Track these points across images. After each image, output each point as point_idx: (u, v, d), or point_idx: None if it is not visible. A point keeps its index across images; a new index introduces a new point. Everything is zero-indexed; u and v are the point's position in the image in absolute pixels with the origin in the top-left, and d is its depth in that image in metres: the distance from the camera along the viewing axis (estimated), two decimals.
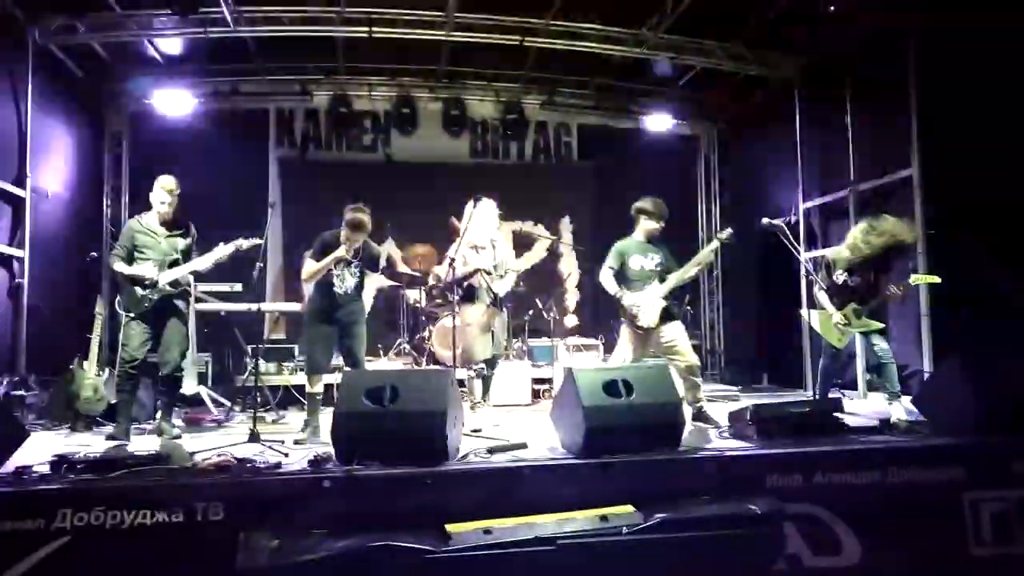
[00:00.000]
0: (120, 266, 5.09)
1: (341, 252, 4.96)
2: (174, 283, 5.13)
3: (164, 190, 5.15)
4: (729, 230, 5.55)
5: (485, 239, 5.98)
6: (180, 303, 5.24)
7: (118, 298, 5.21)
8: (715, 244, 5.51)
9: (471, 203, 5.96)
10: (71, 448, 3.94)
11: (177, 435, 5.14)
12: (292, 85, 9.19)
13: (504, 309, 6.16)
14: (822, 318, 5.62)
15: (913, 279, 5.57)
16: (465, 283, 5.94)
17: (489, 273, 5.91)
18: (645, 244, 5.49)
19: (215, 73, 8.84)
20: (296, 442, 4.59)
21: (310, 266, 5.09)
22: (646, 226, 5.49)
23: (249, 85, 9.06)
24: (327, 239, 5.11)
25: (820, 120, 8.20)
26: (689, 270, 5.45)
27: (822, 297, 5.64)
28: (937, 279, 5.68)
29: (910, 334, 6.61)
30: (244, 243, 5.14)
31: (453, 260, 5.73)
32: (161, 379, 5.22)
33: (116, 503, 3.15)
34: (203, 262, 5.15)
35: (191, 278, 5.57)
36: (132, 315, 5.05)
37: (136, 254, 5.11)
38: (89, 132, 8.57)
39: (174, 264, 5.15)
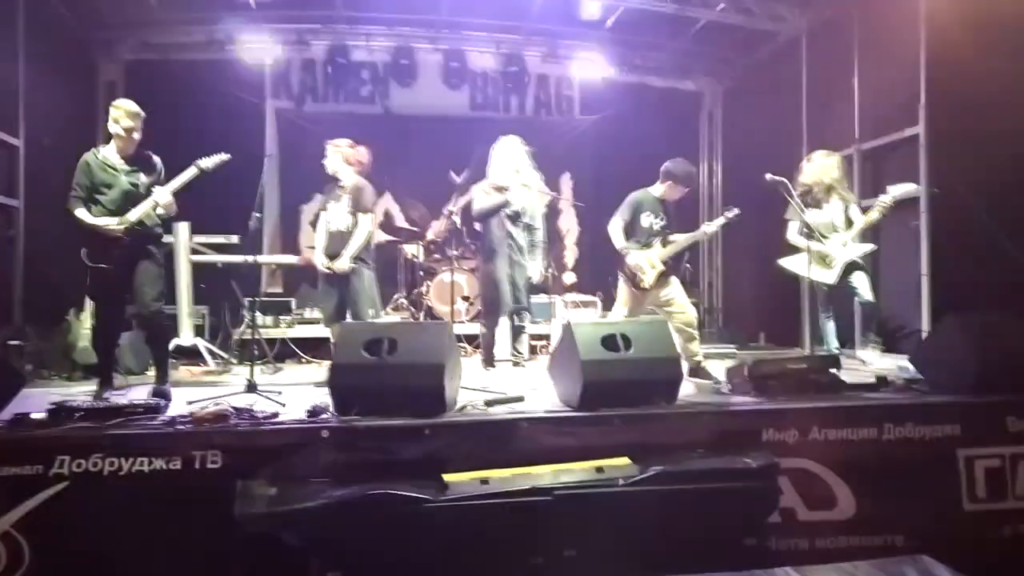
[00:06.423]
0: (81, 213, 4.44)
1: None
2: (140, 224, 4.49)
3: (126, 114, 4.44)
4: (736, 210, 5.38)
5: (510, 180, 5.63)
6: (151, 247, 4.62)
7: (83, 249, 4.47)
8: (720, 221, 5.43)
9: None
10: (68, 397, 3.91)
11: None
12: (289, 35, 9.01)
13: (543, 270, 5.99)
14: (805, 260, 5.54)
15: (890, 191, 5.51)
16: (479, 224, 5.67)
17: (514, 218, 5.64)
18: (659, 202, 5.45)
19: (211, 21, 8.63)
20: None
21: None
22: (669, 190, 5.44)
23: (245, 34, 8.86)
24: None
25: (826, 77, 8.05)
26: (691, 240, 5.43)
27: (793, 233, 5.68)
28: (914, 185, 5.74)
29: (909, 292, 6.59)
30: (204, 162, 4.59)
31: (452, 214, 5.67)
32: (144, 326, 4.86)
33: (114, 450, 3.17)
34: (164, 193, 4.51)
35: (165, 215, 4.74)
36: (99, 266, 4.45)
37: (95, 194, 4.48)
38: (83, 81, 8.39)
39: (137, 203, 4.49)
